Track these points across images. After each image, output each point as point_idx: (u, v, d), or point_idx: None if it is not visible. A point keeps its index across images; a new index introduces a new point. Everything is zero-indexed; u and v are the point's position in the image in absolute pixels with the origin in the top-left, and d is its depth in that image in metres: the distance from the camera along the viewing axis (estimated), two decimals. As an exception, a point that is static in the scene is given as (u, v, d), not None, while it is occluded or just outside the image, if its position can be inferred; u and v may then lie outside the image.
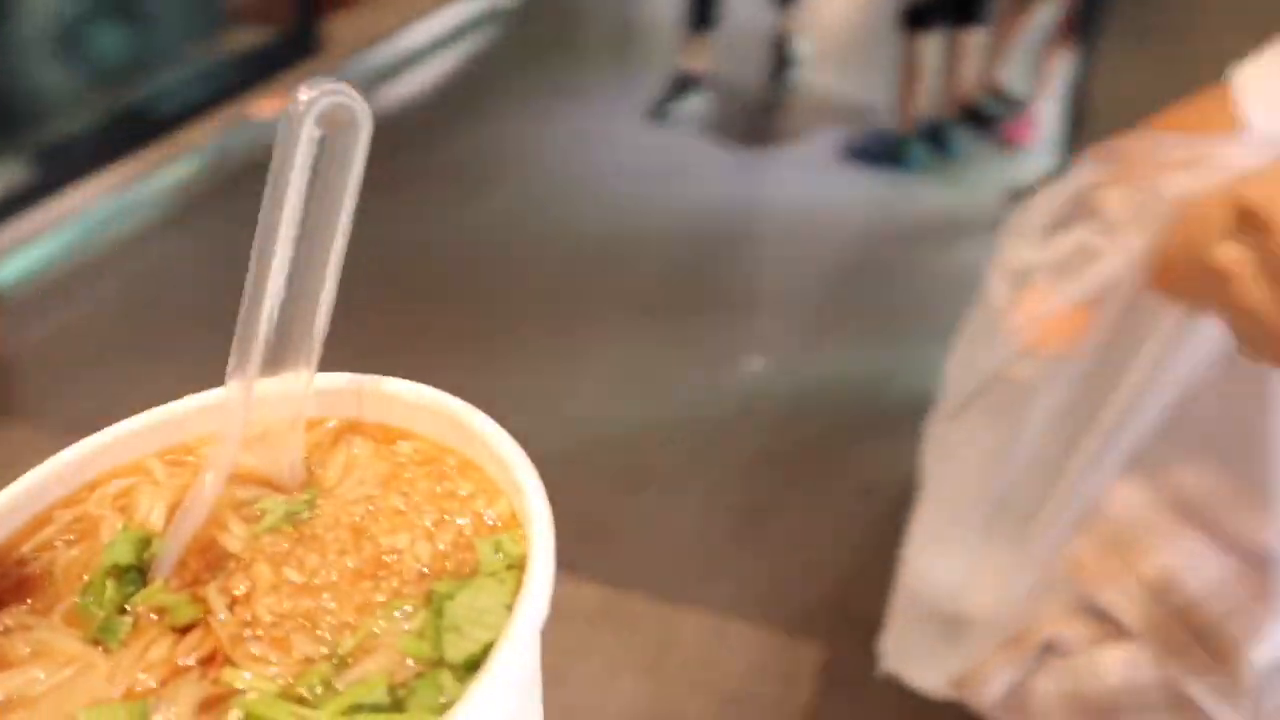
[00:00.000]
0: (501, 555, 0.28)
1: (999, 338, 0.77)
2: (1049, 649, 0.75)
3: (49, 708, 0.27)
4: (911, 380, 2.44)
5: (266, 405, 0.30)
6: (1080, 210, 0.72)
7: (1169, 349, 0.65)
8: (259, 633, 0.28)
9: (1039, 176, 3.58)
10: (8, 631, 0.29)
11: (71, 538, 0.30)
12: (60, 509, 0.31)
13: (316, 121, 0.29)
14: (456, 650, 0.26)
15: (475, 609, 0.26)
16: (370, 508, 0.30)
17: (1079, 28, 3.90)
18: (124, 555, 0.29)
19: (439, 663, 0.26)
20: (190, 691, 0.27)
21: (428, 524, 0.30)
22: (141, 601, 0.29)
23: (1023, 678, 0.75)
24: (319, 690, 0.26)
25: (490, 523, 0.29)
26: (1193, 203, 0.61)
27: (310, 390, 0.31)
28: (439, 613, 0.27)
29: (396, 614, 0.28)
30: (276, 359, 0.30)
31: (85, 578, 0.29)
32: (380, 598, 0.28)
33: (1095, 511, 0.71)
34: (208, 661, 0.28)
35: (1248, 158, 0.63)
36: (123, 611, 0.29)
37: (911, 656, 0.92)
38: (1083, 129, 3.64)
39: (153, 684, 0.27)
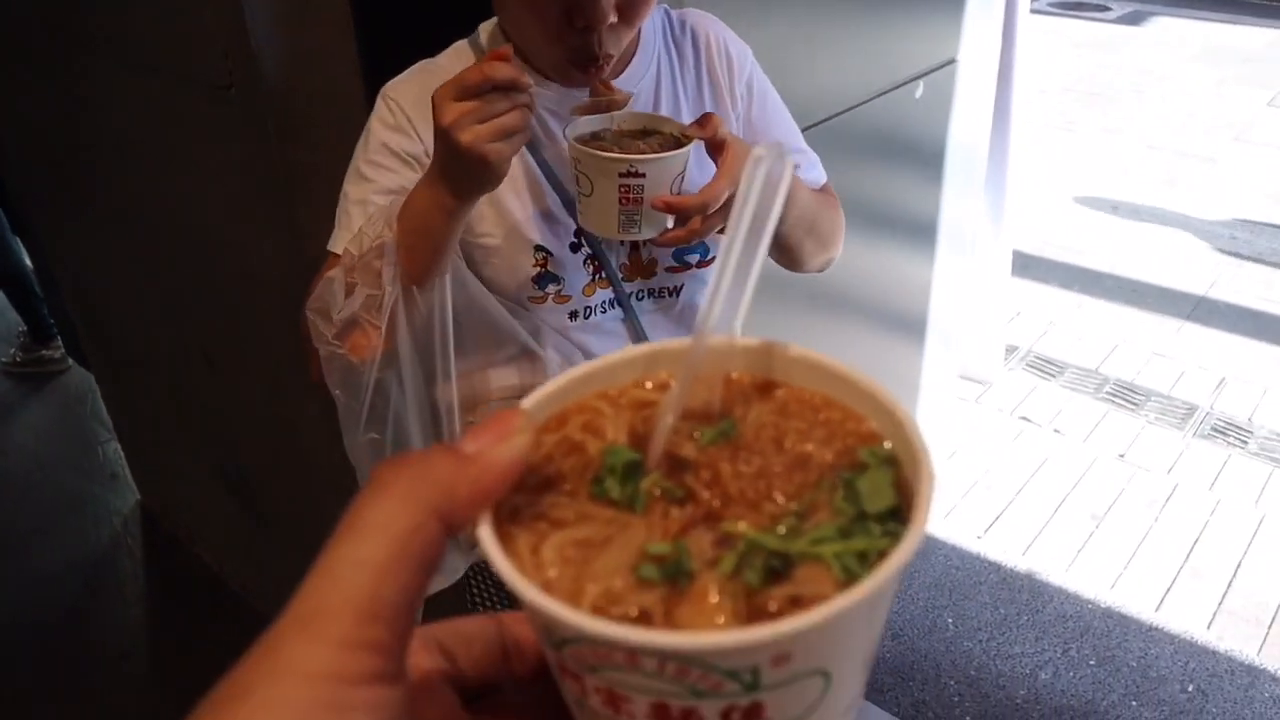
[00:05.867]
0: (875, 455, 0.40)
1: (350, 368, 1.19)
2: None
3: (616, 547, 0.37)
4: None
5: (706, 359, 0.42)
6: (350, 284, 1.15)
7: (433, 305, 1.19)
8: (732, 505, 0.39)
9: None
10: (553, 506, 0.39)
11: (564, 453, 0.41)
12: (546, 433, 0.42)
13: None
14: (874, 506, 0.37)
15: (874, 486, 0.38)
16: (776, 429, 0.42)
17: None
18: (627, 457, 0.40)
19: (863, 516, 0.37)
20: (704, 534, 0.38)
21: (820, 437, 0.42)
22: (649, 485, 0.40)
23: None
24: (785, 533, 0.37)
25: (861, 435, 0.41)
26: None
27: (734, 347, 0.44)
28: (850, 487, 0.39)
29: (824, 490, 0.39)
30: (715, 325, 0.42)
31: (590, 475, 0.40)
32: (810, 480, 0.40)
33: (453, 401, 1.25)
34: (704, 520, 0.38)
35: None
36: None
37: None
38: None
39: (673, 534, 0.38)
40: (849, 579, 0.35)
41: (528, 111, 1.05)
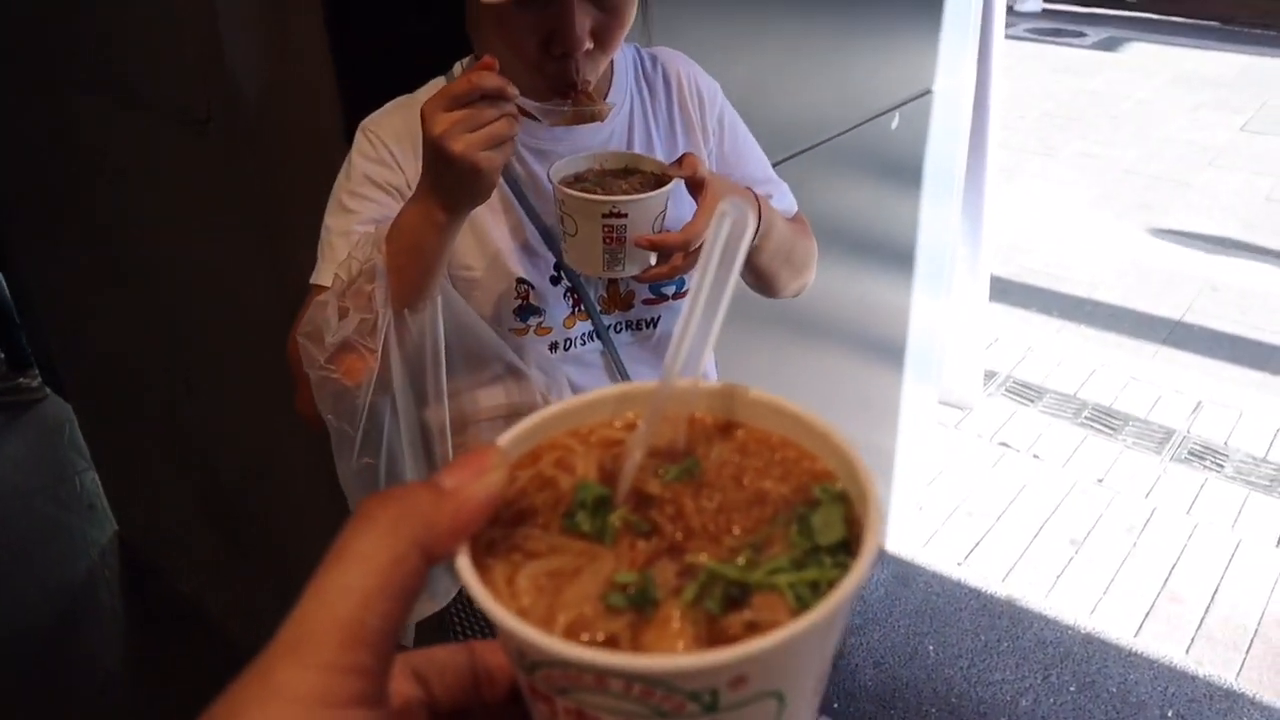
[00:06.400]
0: (828, 492, 0.42)
1: (343, 392, 1.19)
2: None
3: (586, 577, 0.39)
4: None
5: (670, 400, 0.44)
6: (342, 308, 1.15)
7: (424, 328, 1.20)
8: (694, 538, 0.41)
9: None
10: (527, 538, 0.41)
11: (537, 488, 0.43)
12: (520, 469, 0.43)
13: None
14: (826, 539, 0.40)
15: (826, 521, 0.40)
16: (736, 467, 0.44)
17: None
18: (597, 492, 0.42)
19: (815, 549, 0.39)
20: (668, 565, 0.39)
21: (777, 475, 0.44)
22: (617, 518, 0.41)
23: None
24: (743, 564, 0.39)
25: (815, 473, 0.43)
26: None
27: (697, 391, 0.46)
28: (804, 522, 0.41)
29: (779, 524, 0.41)
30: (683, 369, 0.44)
31: (561, 510, 0.42)
32: (766, 515, 0.42)
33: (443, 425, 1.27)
34: (668, 552, 0.40)
35: None
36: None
37: None
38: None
39: (639, 564, 0.40)
40: (802, 607, 0.36)
41: (515, 120, 1.07)
